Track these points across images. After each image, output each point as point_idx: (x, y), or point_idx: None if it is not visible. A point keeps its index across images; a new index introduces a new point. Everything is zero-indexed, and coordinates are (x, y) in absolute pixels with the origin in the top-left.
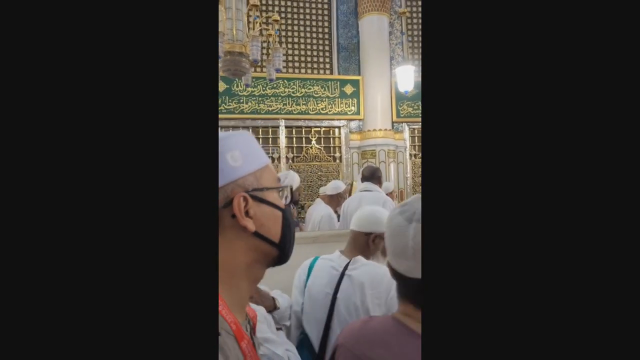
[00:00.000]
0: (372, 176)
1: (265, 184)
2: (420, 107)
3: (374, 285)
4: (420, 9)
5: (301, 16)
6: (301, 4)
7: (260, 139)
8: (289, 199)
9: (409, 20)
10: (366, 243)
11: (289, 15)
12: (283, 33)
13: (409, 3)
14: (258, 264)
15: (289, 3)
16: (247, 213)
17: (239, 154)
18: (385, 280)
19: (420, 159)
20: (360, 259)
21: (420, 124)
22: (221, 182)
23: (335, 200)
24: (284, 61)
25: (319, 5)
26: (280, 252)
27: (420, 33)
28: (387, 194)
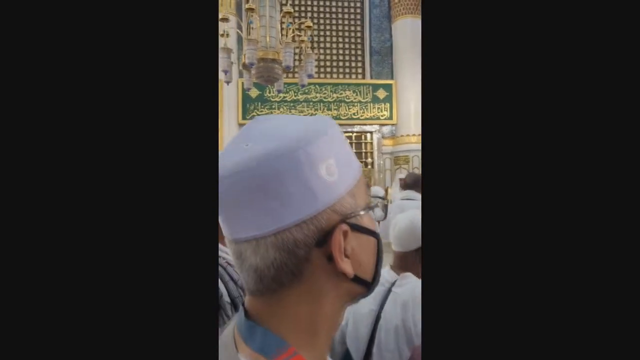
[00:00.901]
0: (415, 184)
1: (361, 203)
2: None
3: (419, 309)
4: None
5: (333, 21)
6: (334, 9)
7: None
8: (384, 217)
9: None
10: (414, 259)
11: (322, 21)
12: (315, 38)
13: None
14: (344, 309)
15: (321, 9)
16: (345, 251)
17: (334, 163)
18: None
19: None
20: (409, 275)
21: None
22: (314, 208)
23: None
24: (315, 67)
25: (352, 10)
26: (369, 290)
27: None
28: None
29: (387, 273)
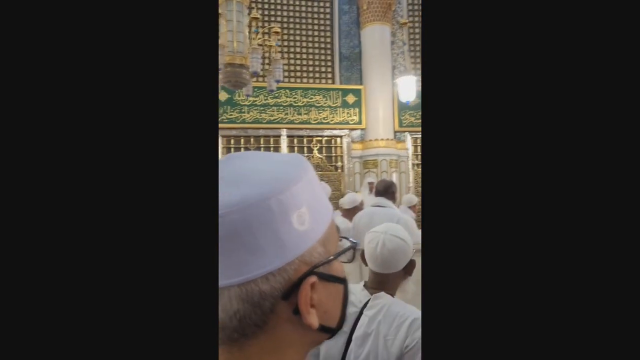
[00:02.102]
0: (386, 191)
1: (332, 249)
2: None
3: (392, 331)
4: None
5: (303, 26)
6: (303, 14)
7: (262, 149)
8: (351, 259)
9: (411, 31)
10: (395, 279)
11: (291, 25)
12: (285, 43)
13: (411, 14)
14: (306, 356)
15: (290, 13)
16: (310, 301)
17: (306, 211)
18: (404, 326)
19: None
20: (382, 296)
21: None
22: (283, 259)
23: (352, 214)
24: (285, 71)
25: (321, 16)
26: (333, 335)
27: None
28: (409, 207)
29: (360, 292)
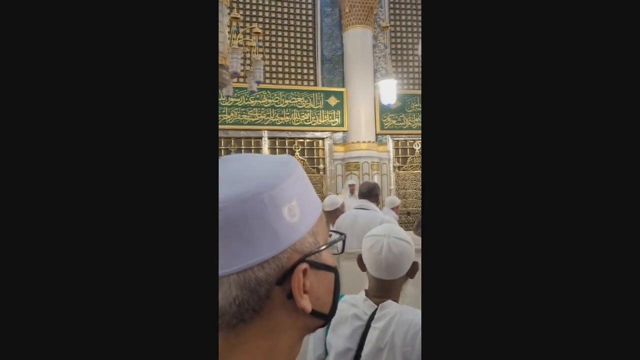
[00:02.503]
0: (370, 193)
1: (322, 240)
2: (403, 119)
3: (408, 341)
4: (403, 23)
5: (285, 27)
6: (285, 16)
7: (243, 151)
8: (341, 251)
9: (393, 34)
10: (399, 284)
11: (273, 27)
12: (267, 44)
13: (392, 17)
14: (300, 341)
15: (272, 15)
16: (303, 287)
17: (296, 205)
18: (421, 334)
19: (403, 171)
20: (389, 304)
21: (406, 135)
22: (276, 248)
23: (333, 216)
24: (266, 72)
25: (303, 17)
26: (326, 322)
27: (403, 47)
28: (392, 209)
29: (362, 303)
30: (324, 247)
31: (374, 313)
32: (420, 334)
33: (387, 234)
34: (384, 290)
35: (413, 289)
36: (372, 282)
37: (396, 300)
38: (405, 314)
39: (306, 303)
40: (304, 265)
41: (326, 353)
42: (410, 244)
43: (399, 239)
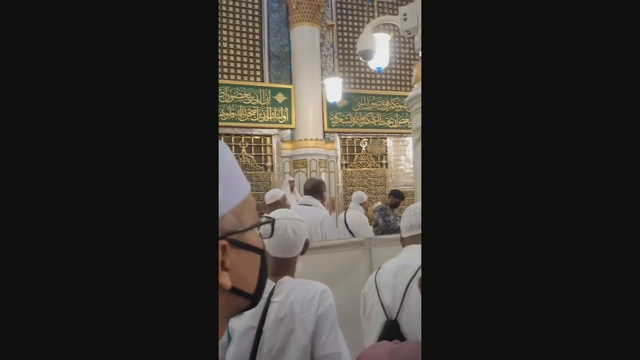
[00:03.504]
0: (314, 190)
1: (246, 222)
2: (350, 118)
3: (304, 307)
4: (350, 22)
5: (230, 21)
6: (230, 9)
7: None
8: (270, 234)
9: (339, 33)
10: (294, 263)
11: (220, 20)
12: None
13: (339, 17)
14: (224, 320)
15: (218, 8)
16: (222, 264)
17: (219, 184)
18: (316, 299)
19: (350, 169)
20: (287, 279)
21: (352, 134)
22: None
23: (274, 209)
24: None
25: (250, 12)
26: (252, 302)
27: (350, 46)
28: (360, 204)
29: None
30: (247, 228)
31: (273, 289)
32: (316, 299)
33: (287, 217)
34: (282, 267)
35: (300, 265)
36: (272, 262)
37: (292, 277)
38: (303, 284)
39: (225, 279)
40: (223, 242)
41: (230, 339)
42: (303, 222)
43: (298, 220)
